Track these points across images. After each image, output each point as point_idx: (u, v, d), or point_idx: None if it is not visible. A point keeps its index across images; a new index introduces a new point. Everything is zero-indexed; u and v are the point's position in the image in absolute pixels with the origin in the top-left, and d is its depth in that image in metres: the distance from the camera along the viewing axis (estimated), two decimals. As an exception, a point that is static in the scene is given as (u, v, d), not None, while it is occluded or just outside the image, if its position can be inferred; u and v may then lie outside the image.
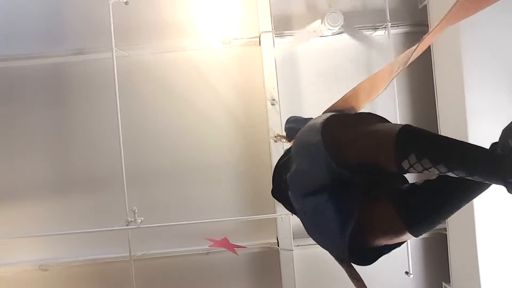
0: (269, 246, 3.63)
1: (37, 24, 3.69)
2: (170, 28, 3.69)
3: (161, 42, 3.66)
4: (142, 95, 3.69)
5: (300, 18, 3.69)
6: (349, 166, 1.02)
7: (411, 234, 1.01)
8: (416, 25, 3.68)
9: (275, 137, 3.45)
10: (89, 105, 3.70)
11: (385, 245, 1.08)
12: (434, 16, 3.44)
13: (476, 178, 0.86)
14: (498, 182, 0.85)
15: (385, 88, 1.24)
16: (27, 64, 3.67)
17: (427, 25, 3.51)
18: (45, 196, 3.68)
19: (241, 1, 3.71)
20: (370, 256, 1.09)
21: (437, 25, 0.99)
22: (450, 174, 0.89)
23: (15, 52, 3.63)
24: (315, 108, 3.74)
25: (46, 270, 3.65)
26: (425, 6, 3.53)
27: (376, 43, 3.69)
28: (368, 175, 1.03)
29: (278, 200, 1.45)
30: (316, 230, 1.17)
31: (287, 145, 2.07)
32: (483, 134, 3.02)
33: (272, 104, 3.50)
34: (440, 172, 0.89)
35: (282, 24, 3.67)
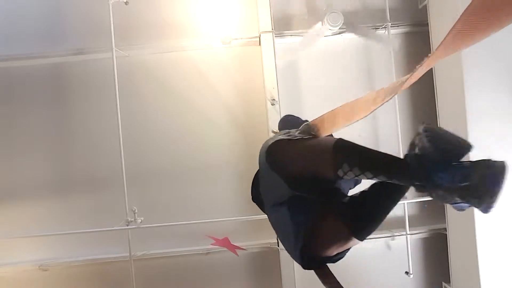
0: (269, 246, 3.64)
1: (37, 24, 3.69)
2: (170, 28, 3.69)
3: (161, 42, 3.66)
4: (142, 95, 3.69)
5: (300, 18, 3.69)
6: (297, 183, 1.19)
7: (357, 239, 1.17)
8: (416, 25, 3.68)
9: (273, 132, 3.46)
10: (89, 105, 3.70)
11: (336, 254, 1.25)
12: (434, 16, 3.45)
13: (394, 181, 1.03)
14: (408, 184, 1.04)
15: (365, 116, 1.29)
16: (27, 64, 3.67)
17: (427, 25, 3.51)
18: (45, 196, 3.68)
19: (241, 1, 3.72)
20: (323, 262, 1.26)
21: (429, 59, 0.98)
22: (376, 179, 1.07)
23: (15, 52, 3.64)
24: (315, 108, 3.75)
25: (46, 270, 3.65)
26: (425, 6, 3.53)
27: (373, 44, 3.67)
28: (315, 190, 1.19)
29: (255, 202, 1.61)
30: (281, 238, 1.36)
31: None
32: (483, 134, 3.03)
33: (272, 104, 3.51)
34: (368, 177, 1.06)
35: (282, 24, 3.67)
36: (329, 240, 1.20)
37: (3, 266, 3.65)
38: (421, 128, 1.00)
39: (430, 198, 1.05)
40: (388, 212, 1.16)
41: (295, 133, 1.34)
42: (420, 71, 1.01)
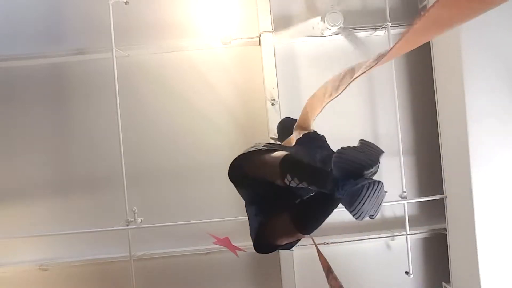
0: (269, 246, 3.63)
1: (37, 24, 3.70)
2: (170, 28, 3.69)
3: (161, 42, 3.66)
4: (142, 95, 3.69)
5: (300, 18, 3.69)
6: (254, 185, 1.55)
7: (301, 233, 1.41)
8: (416, 25, 3.68)
9: (272, 138, 3.47)
10: (89, 105, 3.70)
11: (286, 243, 1.53)
12: (434, 16, 3.44)
13: (325, 191, 1.26)
14: (327, 192, 1.25)
15: (321, 110, 1.61)
16: (27, 64, 3.67)
17: (427, 25, 3.51)
18: (45, 196, 3.68)
19: (241, 1, 3.72)
20: (272, 249, 1.56)
21: (385, 55, 1.08)
22: (311, 188, 1.30)
23: (15, 52, 3.64)
24: (315, 108, 3.74)
25: (46, 270, 3.65)
26: (425, 6, 3.53)
27: (375, 43, 3.68)
28: (269, 191, 1.50)
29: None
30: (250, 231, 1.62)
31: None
32: (483, 134, 3.03)
33: (272, 104, 3.51)
34: (306, 186, 1.30)
35: (282, 24, 3.67)
36: (278, 233, 1.49)
37: (3, 266, 3.65)
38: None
39: None
40: (327, 214, 1.39)
41: (260, 146, 1.63)
42: (378, 62, 1.13)
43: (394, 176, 3.47)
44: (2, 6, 3.72)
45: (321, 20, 3.51)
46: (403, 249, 3.58)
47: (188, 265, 3.70)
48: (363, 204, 1.12)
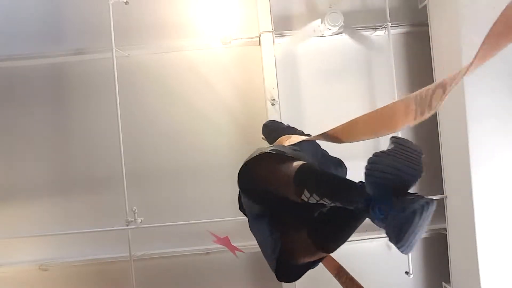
0: (269, 246, 3.63)
1: (37, 24, 3.70)
2: (170, 28, 3.69)
3: (161, 42, 3.66)
4: (142, 95, 3.69)
5: (300, 18, 3.69)
6: (265, 199, 1.28)
7: (322, 252, 1.23)
8: (416, 25, 3.68)
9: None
10: (89, 105, 3.70)
11: (308, 262, 1.30)
12: (434, 16, 3.45)
13: (350, 208, 1.04)
14: (355, 209, 1.05)
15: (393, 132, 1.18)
16: (27, 64, 3.67)
17: (427, 25, 3.51)
18: (45, 196, 3.68)
19: (241, 1, 3.72)
20: (297, 272, 1.33)
21: (469, 67, 0.87)
22: (334, 204, 1.08)
23: (15, 52, 3.64)
24: (315, 108, 3.75)
25: (46, 270, 3.65)
26: (425, 6, 3.53)
27: (376, 43, 3.68)
28: (284, 203, 1.23)
29: (244, 214, 1.64)
30: (261, 249, 1.40)
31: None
32: (483, 134, 3.03)
33: (272, 104, 3.50)
34: (327, 203, 1.08)
35: (282, 24, 3.67)
36: (297, 253, 1.27)
37: (3, 266, 3.65)
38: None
39: None
40: (351, 230, 1.20)
41: (267, 150, 1.34)
42: (467, 71, 0.89)
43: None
44: (2, 6, 3.72)
45: (321, 23, 3.50)
46: (403, 249, 3.58)
47: (188, 265, 3.70)
48: (416, 234, 0.91)
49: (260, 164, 1.29)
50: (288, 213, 1.28)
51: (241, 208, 1.69)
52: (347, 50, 3.73)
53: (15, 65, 3.67)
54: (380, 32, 3.67)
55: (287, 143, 1.63)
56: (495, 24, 0.75)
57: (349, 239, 1.24)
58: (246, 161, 1.32)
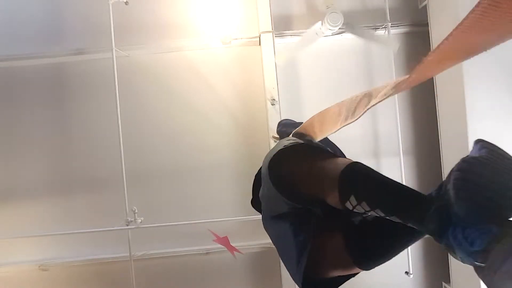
0: (269, 246, 3.63)
1: (37, 24, 3.70)
2: (170, 28, 3.69)
3: (161, 42, 3.66)
4: (142, 95, 3.70)
5: (300, 18, 3.69)
6: (300, 200, 1.03)
7: (360, 268, 1.00)
8: (416, 25, 3.68)
9: (274, 137, 3.45)
10: (89, 105, 3.70)
11: (339, 276, 1.06)
12: (434, 16, 3.45)
13: (410, 225, 0.85)
14: (422, 230, 0.86)
15: (335, 131, 1.14)
16: (27, 64, 3.67)
17: (427, 25, 3.51)
18: (45, 196, 3.68)
19: (241, 1, 3.72)
20: (327, 286, 1.07)
21: (406, 79, 0.83)
22: (390, 219, 0.88)
23: (15, 52, 3.64)
24: (315, 108, 3.74)
25: (46, 270, 3.65)
26: (425, 6, 3.53)
27: (380, 38, 3.66)
28: (320, 207, 1.03)
29: (257, 211, 1.41)
30: (280, 253, 1.18)
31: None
32: (483, 134, 3.03)
33: (272, 104, 3.50)
34: (379, 215, 0.88)
35: (282, 24, 3.67)
36: (329, 263, 1.04)
37: (3, 266, 3.65)
38: (471, 154, 0.78)
39: None
40: (401, 249, 1.01)
41: (298, 140, 1.18)
42: (396, 90, 0.87)
43: (394, 176, 3.46)
44: (2, 6, 3.72)
45: (322, 25, 3.49)
46: (403, 249, 3.58)
47: (188, 265, 3.70)
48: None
49: (291, 162, 1.08)
50: (323, 215, 1.05)
51: (253, 203, 1.46)
52: (347, 50, 3.73)
53: (15, 65, 3.67)
54: (380, 32, 3.66)
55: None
56: (434, 51, 0.69)
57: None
58: (280, 149, 1.10)
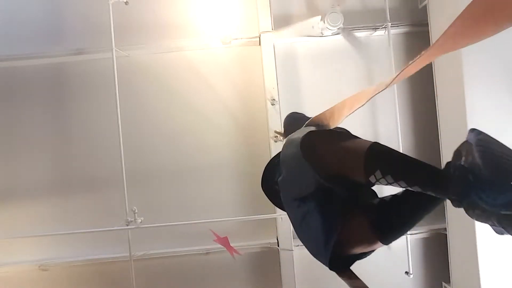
0: (269, 246, 3.63)
1: (37, 24, 3.70)
2: (170, 28, 3.69)
3: (161, 42, 3.66)
4: (142, 95, 3.70)
5: (300, 18, 3.69)
6: (328, 176, 1.15)
7: (382, 243, 1.16)
8: (416, 25, 3.68)
9: (274, 136, 3.45)
10: (89, 105, 3.70)
11: (360, 253, 1.24)
12: (434, 16, 3.45)
13: (429, 193, 1.01)
14: (443, 197, 1.03)
15: (363, 105, 1.33)
16: (27, 64, 3.67)
17: (427, 25, 3.51)
18: (45, 196, 3.68)
19: (241, 1, 3.71)
20: (347, 262, 1.24)
21: (425, 53, 0.95)
22: (410, 188, 1.03)
23: (15, 52, 3.64)
24: (315, 108, 3.74)
25: (46, 270, 3.65)
26: (425, 6, 3.53)
27: (375, 43, 3.69)
28: (345, 187, 1.16)
29: (266, 194, 1.60)
30: (303, 235, 1.29)
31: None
32: (483, 134, 3.03)
33: (272, 104, 3.51)
34: (401, 186, 1.03)
35: (282, 24, 3.67)
36: (355, 241, 1.19)
37: (3, 266, 3.65)
38: (472, 137, 0.93)
39: None
40: (417, 221, 1.14)
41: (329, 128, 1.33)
42: (410, 69, 0.99)
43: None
44: (2, 6, 3.72)
45: (321, 20, 3.50)
46: (403, 249, 3.58)
47: (188, 265, 3.70)
48: None
49: (320, 142, 1.22)
50: (348, 197, 1.17)
51: (266, 190, 1.59)
52: (347, 50, 3.73)
53: (15, 65, 3.67)
54: (380, 32, 3.67)
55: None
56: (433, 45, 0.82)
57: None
58: (309, 132, 1.25)
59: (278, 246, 3.56)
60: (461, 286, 3.43)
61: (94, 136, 3.68)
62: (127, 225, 3.42)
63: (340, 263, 1.20)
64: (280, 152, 1.46)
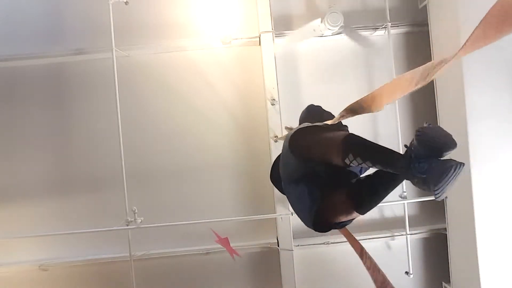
0: (269, 246, 3.63)
1: (37, 24, 3.70)
2: (170, 28, 3.69)
3: (161, 42, 3.66)
4: (142, 95, 3.70)
5: (300, 18, 3.69)
6: (312, 161, 1.50)
7: (357, 212, 1.42)
8: (416, 25, 3.68)
9: (274, 137, 3.45)
10: (89, 105, 3.70)
11: (342, 221, 1.53)
12: (434, 16, 3.45)
13: (389, 170, 1.25)
14: (396, 171, 1.25)
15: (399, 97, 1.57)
16: (27, 64, 3.67)
17: (427, 25, 3.51)
18: (45, 196, 3.68)
19: (241, 1, 3.71)
20: (330, 227, 1.54)
21: (461, 49, 0.98)
22: (375, 167, 1.30)
23: (15, 52, 3.64)
24: (315, 108, 3.73)
25: (46, 270, 3.65)
26: (425, 6, 3.53)
27: (375, 43, 3.69)
28: (326, 169, 1.49)
29: (273, 183, 1.97)
30: (296, 208, 1.64)
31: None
32: (483, 134, 3.03)
33: (272, 104, 3.51)
34: (369, 166, 1.30)
35: (282, 24, 3.67)
36: (336, 211, 1.47)
37: (3, 266, 3.65)
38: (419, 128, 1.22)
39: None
40: (385, 195, 1.40)
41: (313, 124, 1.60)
42: (456, 58, 1.04)
43: (394, 176, 3.47)
44: (2, 6, 3.72)
45: (321, 22, 3.50)
46: (403, 249, 3.58)
47: (188, 265, 3.70)
48: (448, 183, 1.13)
49: (306, 136, 1.55)
50: (329, 178, 1.50)
51: (273, 180, 1.95)
52: (347, 50, 3.73)
53: (15, 65, 3.67)
54: (380, 32, 3.67)
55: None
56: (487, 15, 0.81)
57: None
58: (298, 128, 1.59)
59: (278, 246, 3.56)
60: (461, 286, 3.43)
61: (94, 136, 3.68)
62: (127, 225, 3.42)
63: (325, 228, 1.52)
64: None
